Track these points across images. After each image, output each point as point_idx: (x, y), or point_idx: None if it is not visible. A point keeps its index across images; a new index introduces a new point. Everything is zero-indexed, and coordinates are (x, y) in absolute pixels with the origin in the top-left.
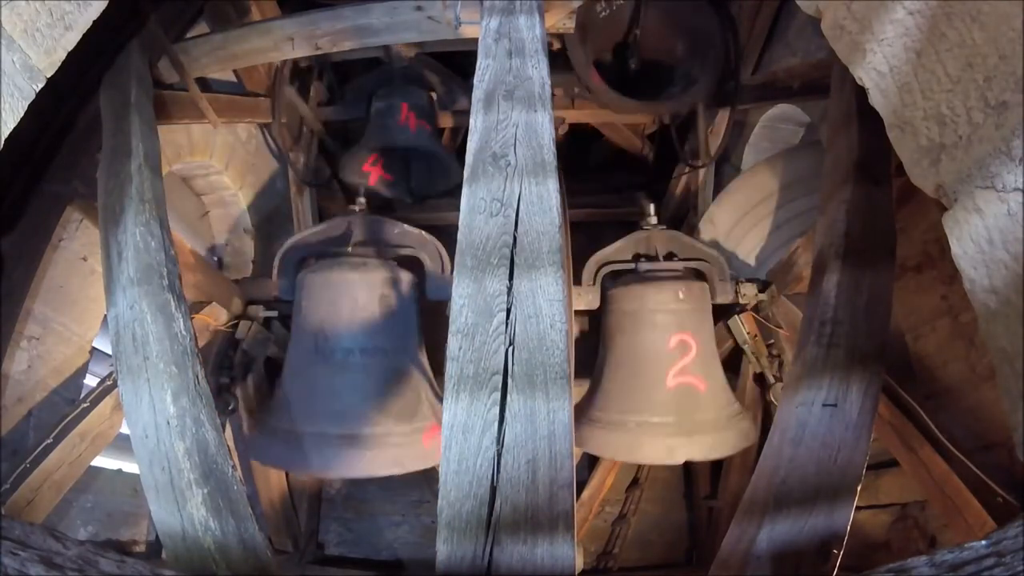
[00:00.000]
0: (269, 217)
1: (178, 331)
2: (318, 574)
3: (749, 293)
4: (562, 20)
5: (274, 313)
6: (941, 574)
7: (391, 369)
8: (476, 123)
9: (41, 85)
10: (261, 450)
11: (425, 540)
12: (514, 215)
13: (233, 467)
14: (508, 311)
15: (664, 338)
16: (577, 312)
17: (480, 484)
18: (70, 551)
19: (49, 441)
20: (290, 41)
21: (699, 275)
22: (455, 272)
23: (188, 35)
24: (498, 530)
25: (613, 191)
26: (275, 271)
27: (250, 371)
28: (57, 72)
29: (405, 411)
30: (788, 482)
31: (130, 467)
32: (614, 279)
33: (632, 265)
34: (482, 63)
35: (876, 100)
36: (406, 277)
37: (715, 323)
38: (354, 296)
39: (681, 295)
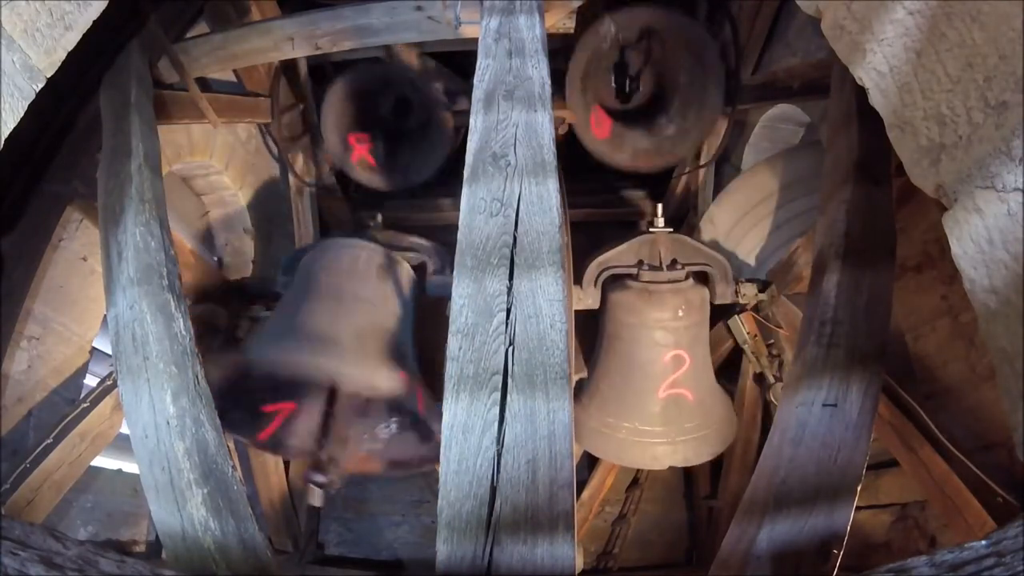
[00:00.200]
0: (269, 217)
1: (178, 331)
2: (318, 574)
3: (749, 293)
4: (562, 20)
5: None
6: (941, 574)
7: (376, 322)
8: (476, 123)
9: (41, 85)
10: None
11: (425, 540)
12: (514, 215)
13: (233, 467)
14: (508, 311)
15: (660, 354)
16: (577, 312)
17: (480, 484)
18: (70, 551)
19: (49, 441)
20: (290, 41)
21: (701, 276)
22: (455, 272)
23: (188, 35)
24: (498, 530)
25: (613, 191)
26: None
27: None
28: (57, 72)
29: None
30: (788, 482)
31: (130, 467)
32: (615, 280)
33: (634, 270)
34: (482, 63)
35: (876, 100)
36: (406, 269)
37: (715, 323)
38: (354, 267)
39: (681, 312)
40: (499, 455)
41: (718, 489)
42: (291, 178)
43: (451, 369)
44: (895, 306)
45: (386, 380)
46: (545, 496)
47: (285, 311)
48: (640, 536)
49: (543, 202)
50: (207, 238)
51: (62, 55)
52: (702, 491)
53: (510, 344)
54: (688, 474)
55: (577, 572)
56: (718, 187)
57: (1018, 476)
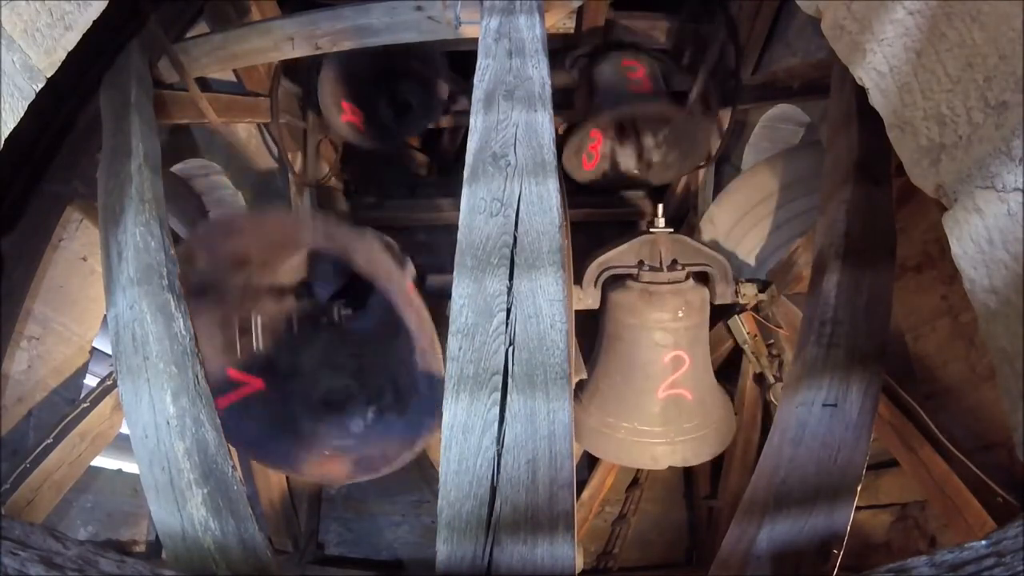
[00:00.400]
0: None
1: (178, 331)
2: (318, 574)
3: (749, 293)
4: (562, 20)
5: None
6: (941, 574)
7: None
8: (476, 123)
9: (41, 85)
10: None
11: (425, 540)
12: (514, 215)
13: (233, 467)
14: (508, 311)
15: (660, 354)
16: (577, 312)
17: (480, 484)
18: (70, 551)
19: (49, 441)
20: (290, 41)
21: (701, 276)
22: (455, 272)
23: (188, 35)
24: (498, 530)
25: (613, 191)
26: None
27: None
28: (57, 72)
29: None
30: (788, 482)
31: (130, 467)
32: (615, 280)
33: (635, 271)
34: (482, 63)
35: (876, 100)
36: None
37: (715, 323)
38: None
39: (681, 313)
40: (499, 455)
41: (718, 489)
42: (291, 178)
43: (451, 369)
44: (895, 306)
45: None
46: (545, 496)
47: None
48: (640, 536)
49: (543, 202)
50: None
51: (62, 55)
52: (702, 491)
53: (510, 344)
54: (688, 474)
55: (577, 572)
56: (718, 187)
57: (1018, 476)
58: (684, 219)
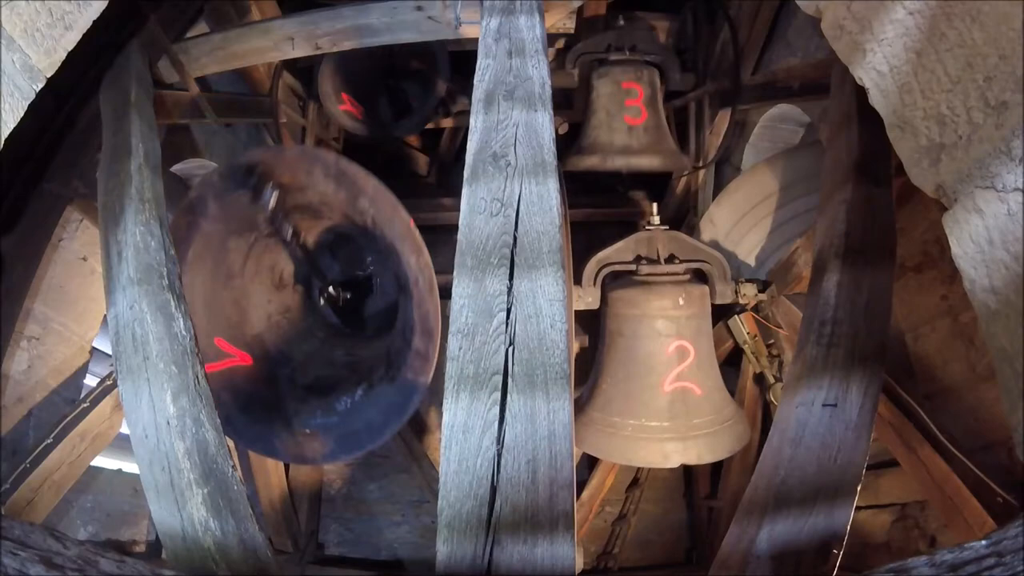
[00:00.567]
0: None
1: (178, 331)
2: (318, 574)
3: (749, 293)
4: (562, 20)
5: None
6: (941, 574)
7: None
8: (476, 123)
9: (41, 85)
10: None
11: (425, 540)
12: (514, 215)
13: (233, 467)
14: (508, 311)
15: (663, 344)
16: (577, 312)
17: (480, 484)
18: (70, 551)
19: (49, 441)
20: (290, 41)
21: (700, 276)
22: (455, 272)
23: (188, 35)
24: (498, 530)
25: (613, 191)
26: None
27: None
28: (57, 72)
29: None
30: (788, 482)
31: (130, 467)
32: (614, 279)
33: (633, 267)
34: (482, 63)
35: (876, 100)
36: None
37: (715, 323)
38: None
39: (681, 300)
40: (499, 455)
41: (718, 489)
42: None
43: (451, 369)
44: (895, 306)
45: None
46: (545, 496)
47: None
48: (640, 536)
49: (543, 202)
50: None
51: (62, 55)
52: (702, 491)
53: (510, 344)
54: (688, 474)
55: (577, 572)
56: (718, 187)
57: (1018, 476)
58: (684, 219)
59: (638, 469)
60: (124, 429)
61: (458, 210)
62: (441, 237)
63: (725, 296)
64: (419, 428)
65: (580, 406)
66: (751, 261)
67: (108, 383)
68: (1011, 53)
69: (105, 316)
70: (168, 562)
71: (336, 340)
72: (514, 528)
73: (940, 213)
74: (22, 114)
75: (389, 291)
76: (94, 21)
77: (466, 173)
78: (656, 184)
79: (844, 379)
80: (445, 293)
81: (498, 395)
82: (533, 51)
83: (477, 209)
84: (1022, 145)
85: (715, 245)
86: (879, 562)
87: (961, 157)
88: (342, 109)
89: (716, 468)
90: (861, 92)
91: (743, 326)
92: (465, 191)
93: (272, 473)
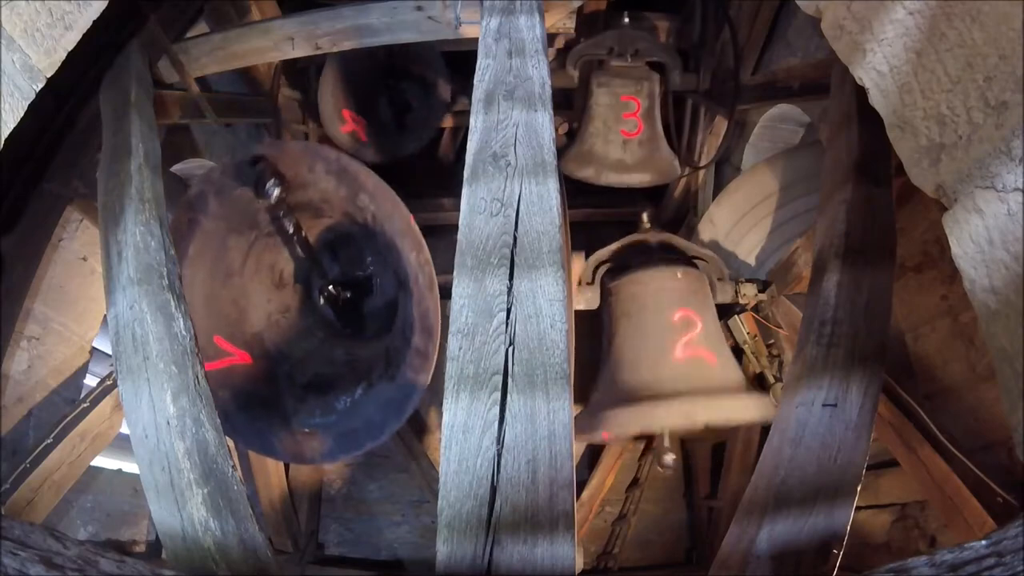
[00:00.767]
0: None
1: (178, 331)
2: (318, 574)
3: (749, 293)
4: (562, 20)
5: None
6: (941, 574)
7: None
8: (476, 123)
9: (41, 85)
10: None
11: (425, 540)
12: (514, 215)
13: (233, 467)
14: (508, 311)
15: (667, 313)
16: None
17: (480, 484)
18: (70, 551)
19: (49, 441)
20: (290, 41)
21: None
22: (455, 272)
23: (188, 35)
24: (498, 530)
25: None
26: None
27: None
28: (57, 72)
29: None
30: (788, 482)
31: (130, 467)
32: (612, 277)
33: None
34: (482, 63)
35: (876, 100)
36: None
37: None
38: None
39: (680, 275)
40: (499, 455)
41: (718, 489)
42: None
43: (451, 369)
44: (895, 306)
45: None
46: (545, 496)
47: None
48: (640, 536)
49: (543, 202)
50: None
51: (62, 55)
52: (702, 491)
53: (510, 344)
54: (688, 474)
55: (577, 572)
56: (718, 187)
57: (1018, 476)
58: (684, 220)
59: (638, 469)
60: (124, 429)
61: (458, 210)
62: (441, 237)
63: (724, 295)
64: (419, 428)
65: (594, 397)
66: (751, 261)
67: (108, 383)
68: (1011, 53)
69: (105, 316)
70: (168, 562)
71: (335, 339)
72: (514, 528)
73: (940, 213)
74: (22, 114)
75: (389, 291)
76: (94, 21)
77: (466, 173)
78: (656, 185)
79: (844, 379)
80: (445, 293)
81: (498, 395)
82: (533, 51)
83: (477, 209)
84: (1022, 145)
85: (715, 245)
86: (879, 562)
87: (961, 157)
88: (344, 131)
89: (716, 468)
90: (861, 92)
91: (743, 326)
92: (465, 191)
93: (272, 473)
